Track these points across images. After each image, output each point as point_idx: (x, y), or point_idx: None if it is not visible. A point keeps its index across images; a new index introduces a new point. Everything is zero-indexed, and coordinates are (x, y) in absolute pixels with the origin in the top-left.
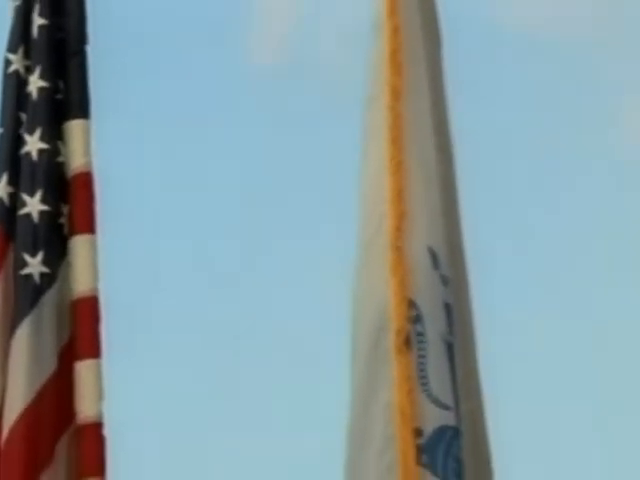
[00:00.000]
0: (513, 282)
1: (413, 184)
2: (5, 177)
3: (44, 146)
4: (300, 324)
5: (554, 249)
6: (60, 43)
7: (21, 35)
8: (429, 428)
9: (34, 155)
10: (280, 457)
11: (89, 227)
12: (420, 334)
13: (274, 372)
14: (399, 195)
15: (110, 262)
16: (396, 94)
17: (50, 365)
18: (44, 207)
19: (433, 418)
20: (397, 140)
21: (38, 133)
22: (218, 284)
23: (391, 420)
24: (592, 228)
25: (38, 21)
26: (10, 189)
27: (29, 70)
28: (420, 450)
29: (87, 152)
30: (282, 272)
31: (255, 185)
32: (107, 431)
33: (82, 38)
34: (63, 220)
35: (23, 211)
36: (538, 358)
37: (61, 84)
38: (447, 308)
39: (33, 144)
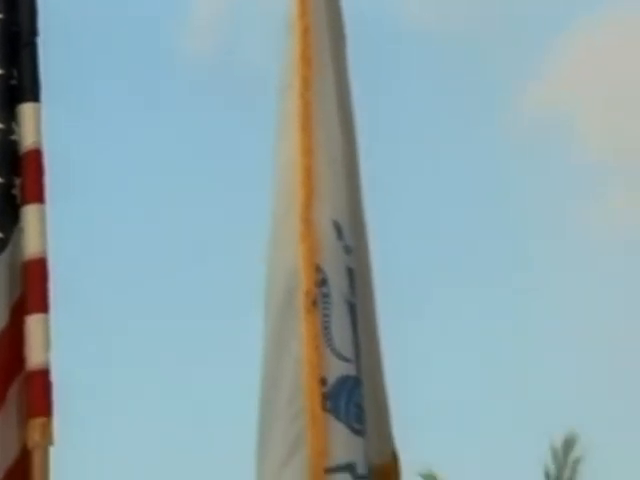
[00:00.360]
0: (410, 248)
1: (320, 165)
2: None
3: (0, 126)
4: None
5: (447, 219)
6: (14, 35)
7: None
8: (332, 378)
9: None
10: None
11: (39, 197)
12: (325, 295)
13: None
14: (308, 175)
15: (59, 228)
16: (306, 84)
17: (3, 319)
18: None
19: (336, 369)
20: (306, 125)
21: None
22: (162, 245)
23: (300, 371)
24: (482, 193)
25: None
26: None
27: None
28: (325, 397)
29: (38, 132)
30: (212, 221)
31: (186, 156)
32: (54, 377)
33: (33, 31)
34: (16, 191)
35: None
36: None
37: (15, 71)
38: (350, 273)
39: None
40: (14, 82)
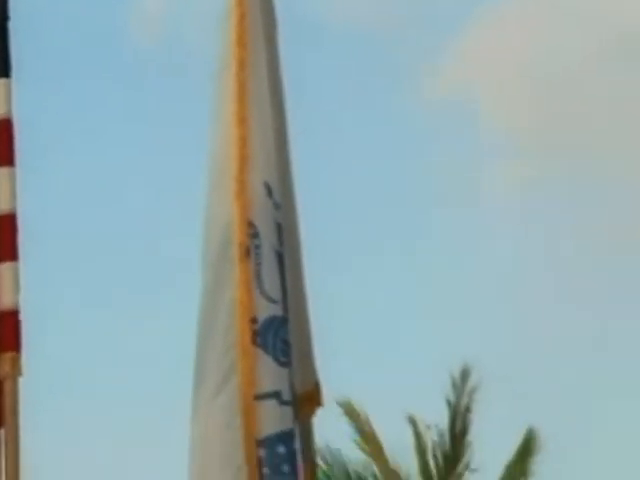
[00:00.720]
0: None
1: (253, 133)
2: None
3: None
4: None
5: (362, 193)
6: None
7: None
8: (262, 317)
9: None
10: None
11: (10, 161)
12: (257, 247)
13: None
14: (242, 142)
15: (28, 188)
16: (242, 65)
17: None
18: None
19: (265, 310)
20: (241, 100)
21: None
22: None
23: (233, 311)
24: (394, 168)
25: None
26: None
27: None
28: (255, 334)
29: (8, 103)
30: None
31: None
32: (22, 316)
33: (4, 15)
34: None
35: None
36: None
37: None
38: (278, 227)
39: None
40: None
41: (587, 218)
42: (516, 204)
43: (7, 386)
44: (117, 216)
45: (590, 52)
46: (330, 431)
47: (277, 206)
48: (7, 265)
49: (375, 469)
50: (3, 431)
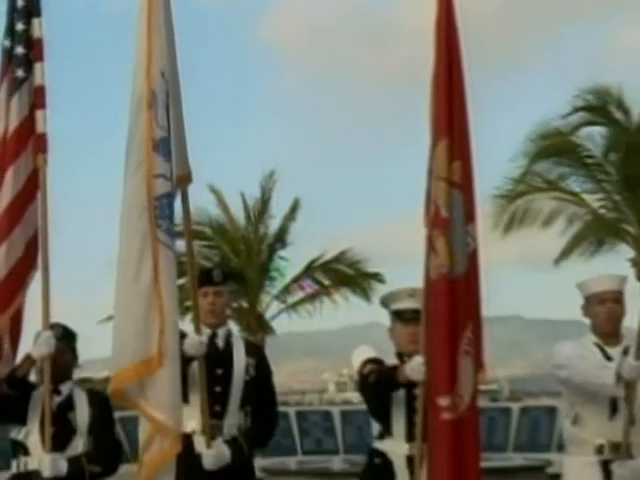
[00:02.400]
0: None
1: (155, 47)
2: None
3: None
4: None
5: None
6: None
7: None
8: (158, 136)
9: None
10: None
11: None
12: (155, 103)
13: None
14: (149, 52)
15: None
16: (150, 29)
17: None
18: None
19: (160, 132)
20: (150, 31)
21: None
22: None
23: (144, 131)
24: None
25: None
26: None
27: None
28: (156, 147)
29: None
30: None
31: None
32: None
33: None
34: None
35: None
36: None
37: None
38: (167, 92)
39: None
40: None
41: None
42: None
43: (41, 173)
44: None
45: None
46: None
47: (167, 82)
48: None
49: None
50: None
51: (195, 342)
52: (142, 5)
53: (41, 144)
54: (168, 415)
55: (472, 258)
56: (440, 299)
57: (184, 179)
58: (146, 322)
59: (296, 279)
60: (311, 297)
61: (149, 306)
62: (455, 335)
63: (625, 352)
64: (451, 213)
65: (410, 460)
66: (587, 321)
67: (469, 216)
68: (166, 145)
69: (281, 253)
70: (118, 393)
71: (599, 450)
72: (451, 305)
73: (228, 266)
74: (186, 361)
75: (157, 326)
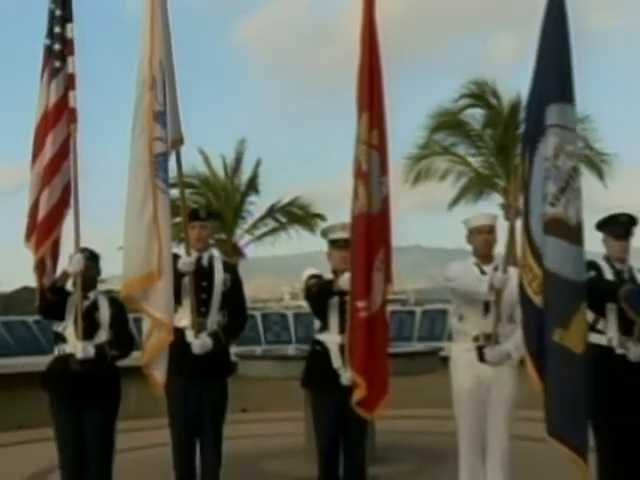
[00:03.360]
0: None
1: (156, 41)
2: None
3: None
4: None
5: None
6: None
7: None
8: (158, 109)
9: None
10: None
11: None
12: (155, 86)
13: None
14: (152, 44)
15: None
16: (153, 27)
17: None
18: None
19: (158, 105)
20: (153, 28)
21: None
22: None
23: (145, 107)
24: None
25: None
26: None
27: None
28: (156, 116)
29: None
30: None
31: None
32: None
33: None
34: None
35: None
36: None
37: None
38: (164, 75)
39: None
40: None
41: None
42: None
43: None
44: None
45: None
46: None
47: (163, 67)
48: None
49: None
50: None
51: (186, 261)
52: (145, 9)
53: (72, 116)
54: (164, 314)
55: (385, 201)
56: (361, 230)
57: (177, 142)
58: (148, 246)
59: (261, 218)
60: (272, 231)
61: (150, 235)
62: (371, 257)
63: (495, 268)
64: (370, 168)
65: (342, 347)
66: (469, 248)
67: (383, 170)
68: (163, 117)
69: (250, 199)
70: (128, 298)
71: (476, 339)
72: (368, 235)
73: (211, 208)
74: (180, 276)
75: (156, 249)
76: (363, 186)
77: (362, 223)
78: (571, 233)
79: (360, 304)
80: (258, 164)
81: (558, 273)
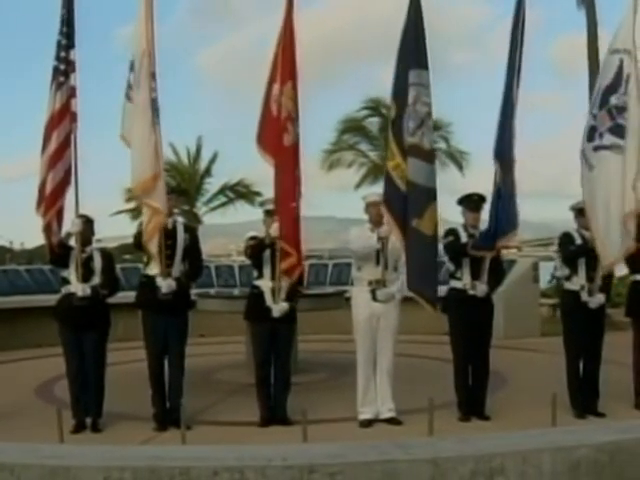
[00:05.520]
0: None
1: (148, 36)
2: None
3: None
4: None
5: None
6: None
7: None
8: (154, 96)
9: None
10: None
11: None
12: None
13: None
14: (148, 44)
15: None
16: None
17: None
18: None
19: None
20: (147, 18)
21: None
22: None
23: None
24: None
25: None
26: None
27: None
28: (153, 95)
29: None
30: None
31: None
32: None
33: None
34: None
35: None
36: None
37: None
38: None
39: None
40: None
41: None
42: None
43: None
44: None
45: None
46: None
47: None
48: None
49: None
50: None
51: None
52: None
53: (73, 118)
54: (161, 204)
55: (297, 136)
56: (291, 155)
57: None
58: (152, 160)
59: (215, 194)
60: (223, 204)
61: (154, 153)
62: (294, 175)
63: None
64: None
65: (272, 290)
66: (366, 217)
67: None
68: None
69: (208, 180)
70: (136, 196)
71: (369, 283)
72: (295, 159)
73: (179, 186)
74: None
75: (156, 162)
76: (291, 125)
77: (292, 151)
78: (425, 155)
79: (292, 204)
80: (214, 157)
81: (416, 181)
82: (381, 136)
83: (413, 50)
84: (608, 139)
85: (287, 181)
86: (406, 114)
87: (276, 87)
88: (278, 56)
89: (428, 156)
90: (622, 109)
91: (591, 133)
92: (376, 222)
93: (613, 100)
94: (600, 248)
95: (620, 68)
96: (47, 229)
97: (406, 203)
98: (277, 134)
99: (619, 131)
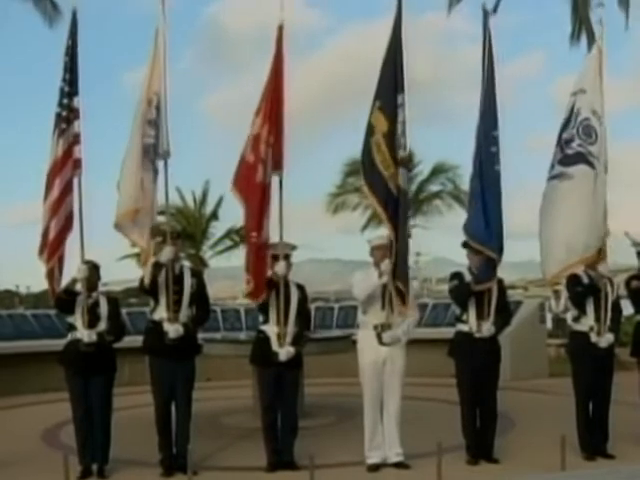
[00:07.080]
0: None
1: (158, 72)
2: None
3: None
4: None
5: None
6: None
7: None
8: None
9: None
10: None
11: None
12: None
13: None
14: (157, 75)
15: None
16: (158, 56)
17: None
18: None
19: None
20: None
21: None
22: None
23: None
24: None
25: None
26: None
27: None
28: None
29: None
30: None
31: None
32: None
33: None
34: None
35: None
36: None
37: None
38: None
39: None
40: None
41: None
42: None
43: None
44: None
45: None
46: None
47: (159, 97)
48: None
49: None
50: None
51: (167, 251)
52: (156, 41)
53: (77, 164)
54: (138, 238)
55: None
56: (260, 194)
57: (165, 153)
58: (131, 195)
59: (221, 238)
60: (229, 248)
61: (137, 190)
62: (263, 208)
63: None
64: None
65: (279, 335)
66: (371, 260)
67: (274, 165)
68: (154, 123)
69: (213, 224)
70: (119, 227)
71: (375, 327)
72: (263, 197)
73: (184, 231)
74: (159, 266)
75: (136, 200)
76: (262, 167)
77: (261, 187)
78: (402, 162)
79: (253, 234)
80: (220, 201)
81: (404, 187)
82: None
83: (399, 77)
84: (557, 169)
85: (252, 211)
86: (399, 131)
87: (255, 129)
88: (262, 100)
89: (402, 162)
90: (570, 140)
91: (549, 170)
92: (380, 265)
93: (564, 135)
94: (543, 261)
95: (572, 105)
96: (50, 275)
97: (398, 207)
98: (250, 173)
99: (567, 161)
